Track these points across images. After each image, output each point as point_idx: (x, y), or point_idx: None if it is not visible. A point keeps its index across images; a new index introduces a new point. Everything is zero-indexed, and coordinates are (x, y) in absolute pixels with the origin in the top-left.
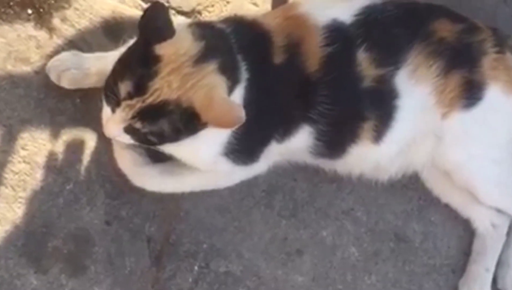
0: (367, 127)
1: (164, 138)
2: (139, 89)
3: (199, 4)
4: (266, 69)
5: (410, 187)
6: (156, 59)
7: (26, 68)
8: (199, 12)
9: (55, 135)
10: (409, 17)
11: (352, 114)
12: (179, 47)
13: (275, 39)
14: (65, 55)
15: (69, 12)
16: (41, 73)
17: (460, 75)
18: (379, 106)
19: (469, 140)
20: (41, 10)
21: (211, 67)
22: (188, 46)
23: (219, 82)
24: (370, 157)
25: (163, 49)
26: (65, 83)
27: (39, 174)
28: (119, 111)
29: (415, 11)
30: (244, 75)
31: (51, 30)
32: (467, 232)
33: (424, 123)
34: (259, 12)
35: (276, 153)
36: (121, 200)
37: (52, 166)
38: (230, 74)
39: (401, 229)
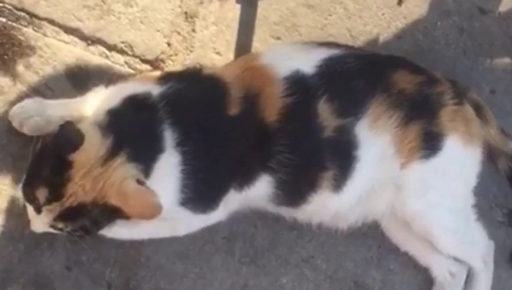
0: (327, 177)
1: (88, 231)
2: (56, 195)
3: (162, 53)
4: (218, 121)
5: (370, 235)
6: (68, 166)
7: None
8: (163, 61)
9: (16, 180)
10: (370, 69)
11: (312, 164)
12: (88, 152)
13: (232, 91)
14: (28, 102)
15: (33, 59)
16: (4, 119)
17: (419, 126)
18: (339, 156)
19: (427, 189)
20: (5, 57)
21: (120, 160)
22: (96, 149)
23: (128, 173)
24: (330, 206)
25: (73, 156)
26: (27, 130)
27: (0, 219)
28: (41, 215)
29: (376, 62)
30: (170, 140)
31: (15, 76)
32: (425, 280)
33: (383, 172)
34: (222, 61)
35: (235, 201)
36: (81, 246)
37: (13, 211)
38: (144, 155)
39: (361, 276)
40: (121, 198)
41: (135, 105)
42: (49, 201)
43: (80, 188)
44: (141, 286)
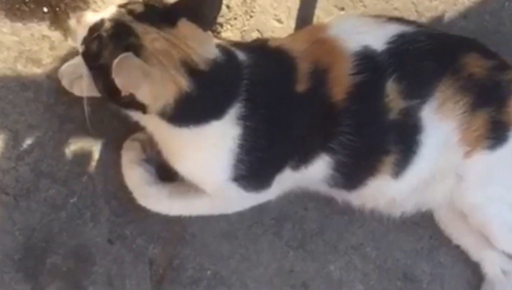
0: (388, 161)
1: (95, 61)
2: (140, 17)
3: (221, 16)
4: (285, 98)
5: (422, 225)
6: (171, 24)
7: (37, 70)
8: (221, 25)
9: (62, 143)
10: (441, 49)
11: (374, 147)
12: (194, 39)
13: (300, 65)
14: (79, 60)
15: None
16: (53, 76)
17: (487, 113)
18: (403, 140)
19: (489, 182)
20: (57, 9)
21: (182, 78)
22: (198, 52)
23: (178, 83)
24: (386, 192)
25: (184, 25)
26: (77, 91)
27: (42, 184)
28: (111, 9)
29: (447, 43)
30: (235, 111)
31: (66, 30)
32: (475, 276)
33: (446, 160)
34: (283, 29)
35: (289, 180)
36: (126, 219)
37: (57, 176)
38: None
39: (410, 268)
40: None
41: (231, 57)
42: (131, 13)
43: (152, 37)
44: (185, 265)
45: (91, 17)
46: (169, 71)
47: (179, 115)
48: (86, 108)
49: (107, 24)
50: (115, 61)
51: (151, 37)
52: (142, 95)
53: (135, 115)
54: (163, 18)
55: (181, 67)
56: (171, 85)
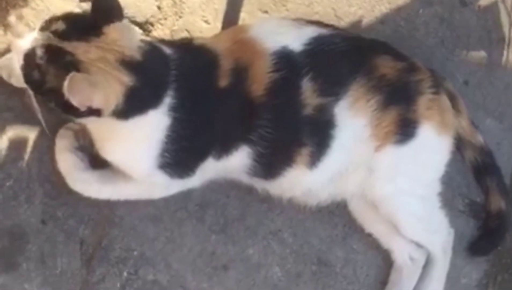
0: (304, 153)
1: (41, 88)
2: (65, 35)
3: (152, 16)
4: (208, 92)
5: (337, 214)
6: (98, 33)
7: None
8: (152, 24)
9: (0, 130)
10: (355, 51)
11: (291, 139)
12: (122, 38)
13: (222, 62)
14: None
15: (25, 11)
16: None
17: (396, 111)
18: (317, 134)
19: (398, 174)
20: None
21: (125, 75)
22: (130, 45)
23: (117, 83)
24: (303, 182)
25: (110, 30)
26: (16, 82)
27: None
28: (38, 33)
29: (361, 46)
30: (166, 102)
31: (6, 26)
32: (386, 262)
33: (358, 153)
34: (210, 30)
35: (212, 169)
36: (58, 201)
37: None
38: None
39: (324, 253)
40: (87, 83)
41: (158, 54)
42: (57, 33)
43: (84, 50)
44: (113, 246)
45: (22, 43)
46: (110, 73)
47: (127, 109)
48: (33, 100)
49: (39, 52)
50: (65, 84)
51: (83, 50)
52: (97, 103)
53: (85, 119)
54: (88, 30)
55: (119, 66)
56: (117, 84)
